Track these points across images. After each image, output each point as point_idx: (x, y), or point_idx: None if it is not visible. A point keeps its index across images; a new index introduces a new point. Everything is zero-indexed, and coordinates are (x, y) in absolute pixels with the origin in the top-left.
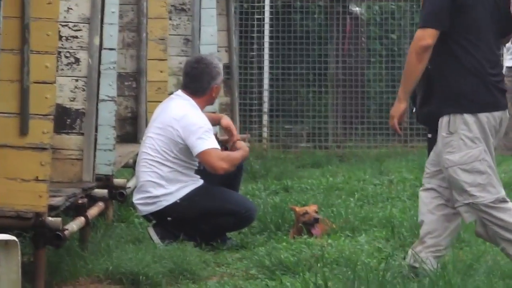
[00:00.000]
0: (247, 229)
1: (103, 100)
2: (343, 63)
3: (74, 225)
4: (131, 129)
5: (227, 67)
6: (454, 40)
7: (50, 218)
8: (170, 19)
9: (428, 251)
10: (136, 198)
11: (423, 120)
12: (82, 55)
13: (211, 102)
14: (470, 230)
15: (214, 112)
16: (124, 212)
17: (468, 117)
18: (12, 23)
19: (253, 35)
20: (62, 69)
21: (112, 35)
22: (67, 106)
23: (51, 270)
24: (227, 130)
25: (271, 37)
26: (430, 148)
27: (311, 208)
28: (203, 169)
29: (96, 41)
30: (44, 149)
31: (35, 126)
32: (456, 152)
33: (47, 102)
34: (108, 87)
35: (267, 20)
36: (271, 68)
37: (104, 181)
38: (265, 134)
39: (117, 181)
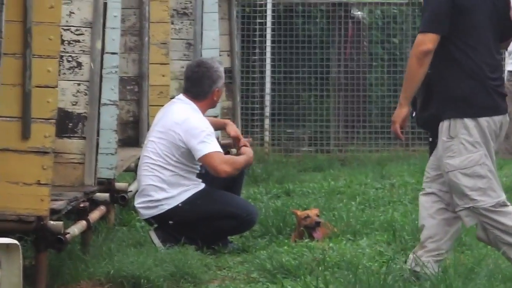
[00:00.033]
0: (249, 233)
1: (105, 104)
2: (345, 67)
3: (76, 229)
4: (133, 133)
5: (229, 71)
6: (453, 44)
7: (51, 222)
8: (172, 23)
9: (429, 255)
10: (138, 202)
11: (423, 124)
12: (84, 59)
13: (212, 106)
14: (471, 233)
15: (216, 116)
16: (125, 216)
17: (469, 122)
18: (14, 27)
19: (255, 39)
20: (64, 73)
21: (114, 39)
22: (69, 110)
23: (52, 274)
24: (235, 138)
25: (273, 41)
26: (431, 152)
27: (313, 212)
28: (205, 173)
29: (98, 45)
30: (46, 153)
31: (37, 130)
32: (457, 156)
33: (49, 106)
34: (110, 91)
35: (269, 24)
36: (273, 72)
37: (106, 185)
38: (267, 138)
39: (119, 185)
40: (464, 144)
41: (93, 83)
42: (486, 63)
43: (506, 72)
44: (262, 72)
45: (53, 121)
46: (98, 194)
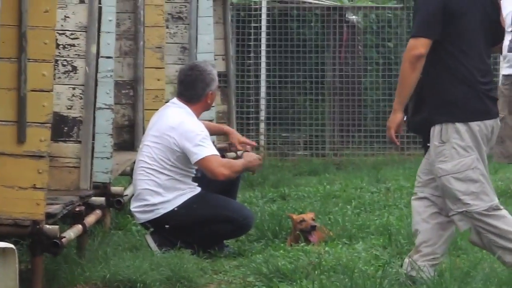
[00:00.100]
0: (245, 237)
1: (100, 108)
2: (340, 71)
3: (72, 233)
4: (128, 137)
5: (224, 76)
6: (444, 49)
7: (47, 226)
8: (167, 27)
9: (424, 259)
10: (134, 206)
11: (414, 128)
12: (79, 63)
13: (207, 109)
14: (467, 237)
15: (211, 120)
16: (121, 220)
17: (460, 126)
18: (10, 31)
19: (250, 43)
20: (60, 77)
21: (109, 43)
22: (65, 114)
23: (48, 278)
24: (244, 144)
25: (268, 46)
26: None
27: (308, 216)
28: (201, 177)
29: (93, 49)
30: (41, 157)
31: (33, 134)
32: (449, 161)
33: (44, 110)
34: (105, 95)
35: (264, 28)
36: (268, 76)
37: (102, 189)
38: (262, 142)
39: (115, 189)
40: (456, 149)
41: (88, 87)
42: (477, 68)
43: (501, 76)
44: (257, 76)
45: (49, 125)
46: (93, 198)
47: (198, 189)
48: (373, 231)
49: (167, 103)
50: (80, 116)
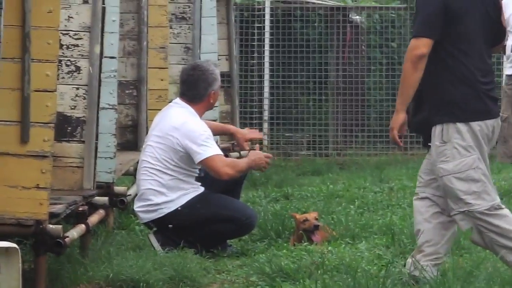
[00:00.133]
0: (248, 236)
1: (103, 108)
2: (343, 71)
3: (75, 233)
4: (131, 137)
5: (228, 76)
6: (445, 49)
7: (50, 226)
8: (171, 27)
9: (427, 259)
10: (137, 206)
11: (415, 128)
12: (83, 63)
13: (209, 108)
14: (469, 237)
15: (214, 120)
16: (124, 220)
17: (461, 126)
18: (13, 31)
19: (253, 43)
20: (63, 78)
21: (112, 43)
22: (68, 114)
23: (51, 277)
24: (251, 140)
25: (271, 46)
26: None
27: (312, 215)
28: (204, 176)
29: (97, 49)
30: (45, 157)
31: (36, 134)
32: (450, 161)
33: (48, 110)
34: (109, 95)
35: (267, 28)
36: (271, 76)
37: (105, 188)
38: (265, 142)
39: (118, 188)
40: (457, 149)
41: (91, 87)
42: (477, 67)
43: (504, 76)
44: (261, 76)
45: (52, 125)
46: (97, 198)
47: (202, 189)
48: (376, 231)
49: (170, 103)
50: (83, 116)
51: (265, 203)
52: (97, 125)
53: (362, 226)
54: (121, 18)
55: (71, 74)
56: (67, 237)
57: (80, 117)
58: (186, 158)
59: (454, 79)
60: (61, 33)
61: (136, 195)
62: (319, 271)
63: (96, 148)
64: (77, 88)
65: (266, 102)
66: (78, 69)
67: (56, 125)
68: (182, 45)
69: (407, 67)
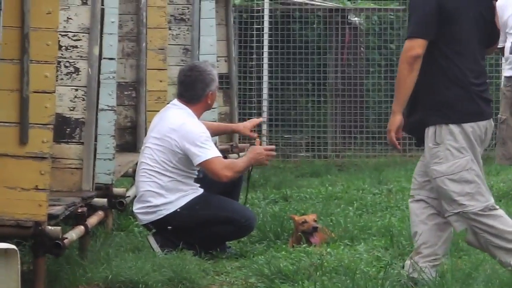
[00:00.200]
0: (246, 238)
1: (102, 110)
2: (342, 73)
3: (74, 234)
4: (130, 139)
5: (227, 77)
6: (439, 49)
7: (49, 227)
8: (170, 29)
9: (425, 260)
10: (136, 208)
11: (410, 130)
12: (82, 64)
13: (207, 109)
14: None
15: (213, 121)
16: (123, 221)
17: (454, 128)
18: (12, 33)
19: (252, 45)
20: (62, 79)
21: (111, 44)
22: (67, 116)
23: (50, 279)
24: (255, 125)
25: (270, 47)
26: None
27: (310, 217)
28: (203, 178)
29: (96, 50)
30: (43, 158)
31: (35, 135)
32: (443, 162)
33: (46, 112)
34: (108, 96)
35: (266, 30)
36: (270, 77)
37: (104, 190)
38: (264, 144)
39: (117, 190)
40: (450, 150)
41: (90, 88)
42: (470, 69)
43: (503, 78)
44: (260, 77)
45: (51, 126)
46: (96, 199)
47: (201, 190)
48: (375, 233)
49: (168, 105)
50: (82, 118)
51: (264, 204)
52: (96, 126)
53: (361, 228)
54: (120, 19)
55: (70, 76)
56: (66, 238)
57: (79, 119)
58: (184, 159)
59: (447, 80)
60: (60, 34)
61: (135, 196)
62: (317, 273)
63: (95, 149)
64: (76, 90)
65: (265, 103)
66: (77, 70)
67: (55, 126)
68: (181, 47)
69: (403, 68)
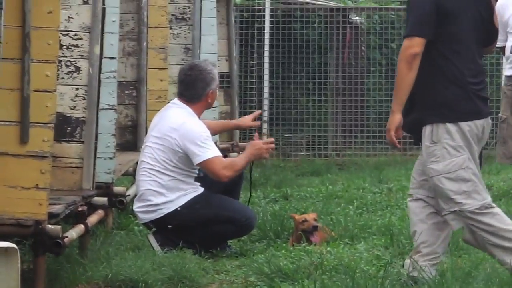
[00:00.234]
0: (247, 237)
1: (103, 109)
2: (343, 72)
3: (74, 233)
4: (131, 138)
5: (227, 76)
6: (436, 49)
7: (50, 226)
8: (171, 28)
9: (424, 259)
10: (137, 207)
11: (408, 129)
12: (83, 63)
13: (207, 108)
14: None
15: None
16: (123, 220)
17: (451, 126)
18: (13, 32)
19: (253, 44)
20: (63, 78)
21: (112, 44)
22: (68, 115)
23: (50, 278)
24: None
25: (271, 46)
26: None
27: (310, 216)
28: (203, 177)
29: (97, 50)
30: (44, 157)
31: (36, 134)
32: (440, 161)
33: (47, 111)
34: (109, 95)
35: (267, 29)
36: (271, 77)
37: (104, 189)
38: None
39: (117, 189)
40: (447, 149)
41: (91, 87)
42: (468, 68)
43: (503, 77)
44: (260, 77)
45: (52, 125)
46: (96, 198)
47: (201, 189)
48: (375, 231)
49: (168, 104)
50: (83, 117)
51: (264, 203)
52: (97, 125)
53: (361, 227)
54: (121, 18)
55: (71, 75)
56: (66, 237)
57: (80, 118)
58: (185, 158)
59: (444, 79)
60: (61, 33)
61: (136, 195)
62: (318, 272)
63: (96, 148)
64: (77, 89)
65: (265, 102)
66: (78, 69)
67: (55, 125)
68: (182, 46)
69: (402, 67)
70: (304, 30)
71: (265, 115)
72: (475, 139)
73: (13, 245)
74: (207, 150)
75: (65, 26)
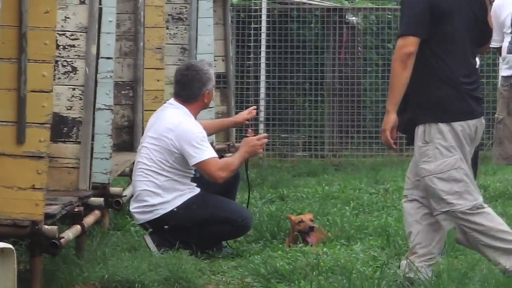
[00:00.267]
0: (243, 238)
1: (99, 109)
2: (340, 72)
3: (70, 233)
4: (127, 138)
5: (224, 76)
6: (429, 48)
7: (46, 226)
8: (167, 28)
9: (420, 260)
10: (133, 207)
11: (402, 129)
12: (79, 64)
13: (204, 108)
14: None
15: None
16: (120, 220)
17: (443, 126)
18: (10, 32)
19: (249, 44)
20: (59, 78)
21: (109, 44)
22: (64, 115)
23: (47, 278)
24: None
25: (267, 47)
26: None
27: (307, 217)
28: (199, 177)
29: (93, 50)
30: (40, 157)
31: (32, 134)
32: (432, 161)
33: (44, 111)
34: (105, 96)
35: (263, 29)
36: (267, 77)
37: (101, 189)
38: None
39: (113, 189)
40: (439, 149)
41: (88, 87)
42: (461, 68)
43: (500, 78)
44: (257, 77)
45: (48, 125)
46: (92, 198)
47: (197, 190)
48: (371, 232)
49: (165, 104)
50: (79, 117)
51: (260, 204)
52: (93, 125)
53: (357, 228)
54: (117, 18)
55: (67, 75)
56: (63, 237)
57: (76, 118)
58: (181, 159)
59: (437, 79)
60: (58, 33)
61: (132, 196)
62: (314, 273)
63: (92, 149)
64: (73, 89)
65: (262, 103)
66: (74, 69)
67: (52, 125)
68: (178, 46)
69: (396, 66)
70: (301, 30)
71: (262, 115)
72: (468, 139)
73: (10, 245)
74: (203, 151)
75: (62, 26)
